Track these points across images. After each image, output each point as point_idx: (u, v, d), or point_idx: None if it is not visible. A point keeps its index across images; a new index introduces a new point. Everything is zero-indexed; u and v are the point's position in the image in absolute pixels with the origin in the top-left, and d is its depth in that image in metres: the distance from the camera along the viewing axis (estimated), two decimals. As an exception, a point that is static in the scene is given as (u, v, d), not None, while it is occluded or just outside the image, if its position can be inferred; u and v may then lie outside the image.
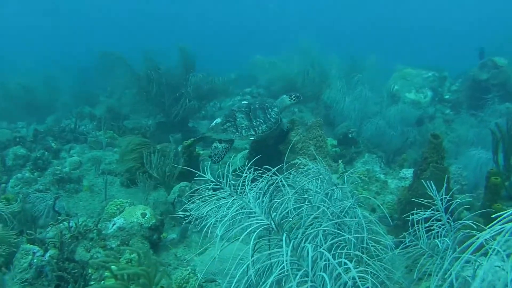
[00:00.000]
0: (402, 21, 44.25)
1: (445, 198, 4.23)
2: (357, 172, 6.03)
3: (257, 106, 5.68)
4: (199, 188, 4.00)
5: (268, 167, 2.90)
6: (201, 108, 10.17)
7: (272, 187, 2.63)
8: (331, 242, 2.45)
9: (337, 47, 14.36)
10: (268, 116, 5.59)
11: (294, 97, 5.94)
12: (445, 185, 3.23)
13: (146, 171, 6.01)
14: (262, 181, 2.72)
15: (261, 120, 5.52)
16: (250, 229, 2.36)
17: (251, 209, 2.54)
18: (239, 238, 2.37)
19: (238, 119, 5.49)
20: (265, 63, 12.78)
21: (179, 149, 6.84)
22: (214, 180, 2.92)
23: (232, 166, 3.08)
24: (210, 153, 5.57)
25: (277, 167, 2.93)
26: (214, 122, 5.68)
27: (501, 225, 1.85)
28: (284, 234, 2.24)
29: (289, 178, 3.03)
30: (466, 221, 2.91)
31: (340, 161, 6.31)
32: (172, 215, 5.38)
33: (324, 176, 3.19)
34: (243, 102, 6.13)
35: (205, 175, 2.96)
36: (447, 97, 11.85)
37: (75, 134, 9.65)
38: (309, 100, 12.10)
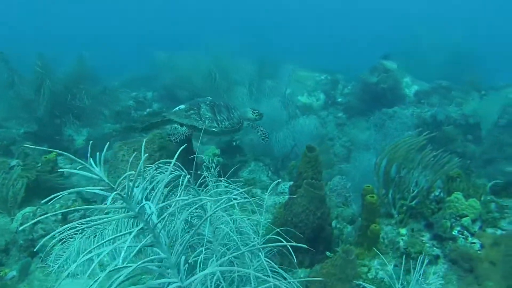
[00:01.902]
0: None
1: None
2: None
3: (221, 103, 5.68)
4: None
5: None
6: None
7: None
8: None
9: (253, 49, 13.61)
10: (231, 115, 5.60)
11: (257, 113, 6.04)
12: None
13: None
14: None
15: (224, 117, 5.49)
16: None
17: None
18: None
19: (202, 109, 5.38)
20: (166, 62, 11.80)
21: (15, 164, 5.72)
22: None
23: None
24: (168, 131, 5.30)
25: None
26: (178, 108, 5.50)
27: None
28: None
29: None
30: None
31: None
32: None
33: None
34: (207, 97, 5.97)
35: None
36: (339, 100, 11.68)
37: None
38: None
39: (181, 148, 2.20)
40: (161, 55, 11.81)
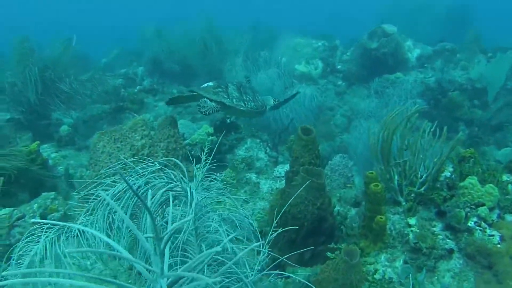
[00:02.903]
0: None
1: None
2: (225, 176, 5.01)
3: (247, 85, 5.81)
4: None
5: None
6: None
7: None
8: None
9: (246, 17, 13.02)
10: (256, 98, 5.72)
11: (277, 101, 6.22)
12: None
13: None
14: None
15: (250, 98, 5.57)
16: None
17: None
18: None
19: (229, 88, 5.44)
20: (154, 34, 11.22)
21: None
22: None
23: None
24: (198, 103, 5.26)
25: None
26: (206, 84, 5.53)
27: None
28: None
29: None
30: None
31: (198, 166, 5.07)
32: None
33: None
34: (234, 80, 6.44)
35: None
36: (339, 67, 11.14)
37: None
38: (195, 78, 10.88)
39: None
40: (150, 27, 11.23)
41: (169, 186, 2.74)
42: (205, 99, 5.30)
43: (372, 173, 3.54)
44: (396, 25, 10.46)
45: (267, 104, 6.07)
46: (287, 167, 5.35)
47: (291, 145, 7.69)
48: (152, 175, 2.88)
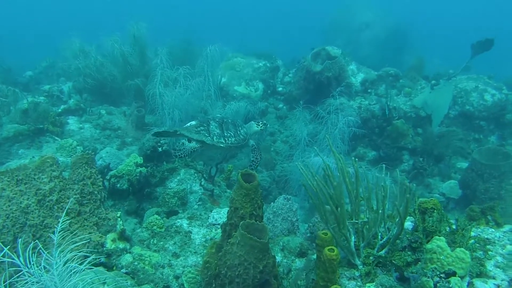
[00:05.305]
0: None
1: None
2: (150, 223, 4.28)
3: (229, 121, 6.02)
4: None
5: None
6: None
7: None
8: None
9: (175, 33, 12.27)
10: (238, 132, 5.95)
11: (261, 124, 6.36)
12: None
13: None
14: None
15: (231, 133, 5.84)
16: None
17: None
18: None
19: (211, 126, 5.76)
20: (79, 49, 10.24)
21: None
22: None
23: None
24: (174, 148, 5.71)
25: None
26: (189, 123, 5.86)
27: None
28: None
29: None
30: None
31: (118, 213, 4.29)
32: None
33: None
34: (217, 115, 6.79)
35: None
36: (280, 89, 10.64)
37: None
38: (124, 96, 10.04)
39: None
40: (75, 42, 10.29)
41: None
42: (183, 141, 5.73)
43: (326, 233, 2.94)
44: (340, 48, 10.14)
45: (251, 133, 6.29)
46: (223, 212, 4.69)
47: (229, 175, 7.07)
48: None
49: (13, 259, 2.47)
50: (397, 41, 15.14)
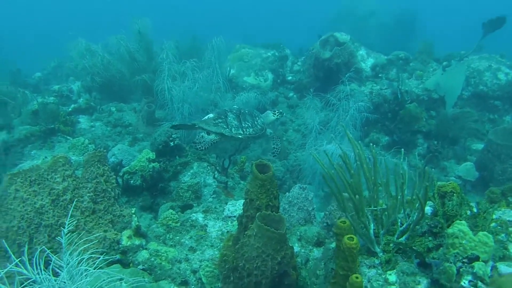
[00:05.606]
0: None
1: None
2: (165, 218, 4.25)
3: (246, 111, 6.07)
4: None
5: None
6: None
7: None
8: None
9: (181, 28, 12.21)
10: (255, 122, 5.97)
11: (277, 113, 6.43)
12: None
13: None
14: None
15: (249, 124, 5.87)
16: None
17: None
18: None
19: (229, 118, 5.79)
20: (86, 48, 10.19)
21: None
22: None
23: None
24: (195, 140, 5.71)
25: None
26: (207, 116, 5.85)
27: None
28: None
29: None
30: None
31: (133, 209, 4.27)
32: None
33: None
34: (234, 106, 6.86)
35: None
36: (289, 78, 10.56)
37: None
38: (133, 92, 10.01)
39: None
40: (81, 42, 10.26)
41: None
42: (202, 134, 5.73)
43: (344, 222, 2.88)
44: (348, 34, 10.00)
45: (267, 122, 6.34)
46: (239, 204, 4.65)
47: (242, 166, 7.03)
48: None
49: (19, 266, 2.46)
50: (405, 26, 14.98)
